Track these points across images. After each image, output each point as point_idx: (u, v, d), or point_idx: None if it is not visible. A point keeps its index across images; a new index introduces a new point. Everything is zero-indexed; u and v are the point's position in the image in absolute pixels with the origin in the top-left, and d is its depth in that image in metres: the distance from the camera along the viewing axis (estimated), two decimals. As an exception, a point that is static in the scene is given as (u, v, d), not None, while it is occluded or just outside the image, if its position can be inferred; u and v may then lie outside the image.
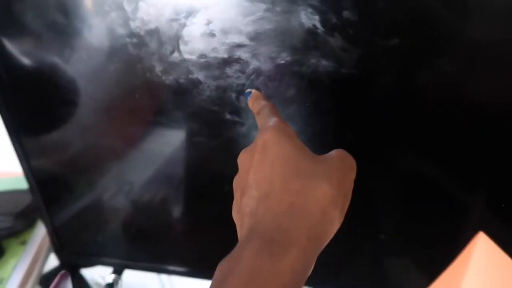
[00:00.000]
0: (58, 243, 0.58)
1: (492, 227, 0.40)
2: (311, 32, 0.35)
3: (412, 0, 0.33)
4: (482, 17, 0.32)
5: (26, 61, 0.44)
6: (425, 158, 0.39)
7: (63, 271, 0.34)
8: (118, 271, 0.57)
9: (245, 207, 0.26)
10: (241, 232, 0.26)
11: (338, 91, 0.37)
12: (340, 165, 0.26)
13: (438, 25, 0.33)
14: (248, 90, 0.35)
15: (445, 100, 0.36)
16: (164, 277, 0.77)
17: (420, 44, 0.34)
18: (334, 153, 0.27)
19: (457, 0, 0.32)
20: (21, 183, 0.56)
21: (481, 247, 0.40)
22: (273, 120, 0.28)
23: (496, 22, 0.32)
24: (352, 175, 0.27)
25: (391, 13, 0.33)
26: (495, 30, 0.32)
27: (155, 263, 0.57)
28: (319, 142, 0.40)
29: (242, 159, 0.28)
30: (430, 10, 0.33)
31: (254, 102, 0.33)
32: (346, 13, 0.34)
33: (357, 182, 0.43)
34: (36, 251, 0.57)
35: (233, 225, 0.50)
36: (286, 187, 0.24)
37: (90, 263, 0.62)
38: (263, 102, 0.32)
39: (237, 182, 0.28)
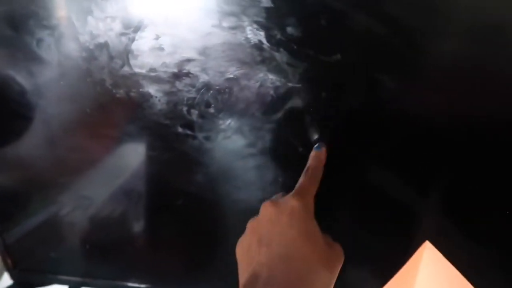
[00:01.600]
0: (10, 261, 0.57)
1: (436, 237, 0.41)
2: (258, 47, 0.36)
3: (352, 19, 0.34)
4: (419, 35, 0.34)
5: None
6: (371, 168, 0.41)
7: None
8: (73, 289, 0.56)
9: (257, 256, 0.30)
10: (243, 273, 0.31)
11: (285, 104, 0.38)
12: (339, 253, 0.33)
13: (377, 43, 0.34)
14: (320, 144, 0.38)
15: (384, 111, 0.37)
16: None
17: (360, 60, 0.35)
18: (334, 243, 0.34)
19: (394, 20, 0.33)
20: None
21: (428, 256, 0.41)
22: (310, 192, 0.34)
23: (433, 40, 0.34)
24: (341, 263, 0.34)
25: (333, 31, 0.35)
26: (430, 48, 0.34)
27: (112, 279, 0.56)
28: (269, 154, 0.41)
29: (269, 211, 0.33)
30: (370, 29, 0.34)
31: (316, 157, 0.37)
32: (290, 30, 0.35)
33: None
34: (-13, 270, 0.55)
35: (188, 238, 0.50)
36: (298, 267, 0.29)
37: (45, 282, 0.60)
38: (320, 164, 0.36)
39: (256, 227, 0.32)
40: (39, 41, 0.40)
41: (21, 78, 0.43)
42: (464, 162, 0.38)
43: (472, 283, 0.38)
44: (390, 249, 0.43)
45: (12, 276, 0.60)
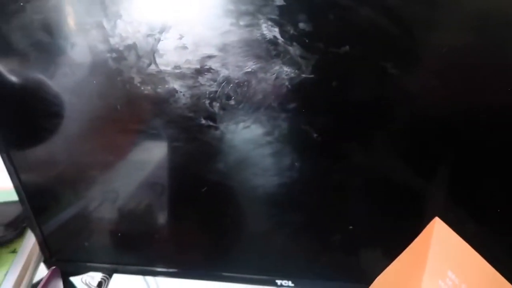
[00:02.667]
0: (47, 251, 0.61)
1: (446, 213, 0.44)
2: (272, 42, 0.39)
3: (358, 13, 0.37)
4: (419, 26, 0.37)
5: (13, 79, 0.47)
6: (383, 150, 0.44)
7: (53, 267, 0.36)
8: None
9: None
10: None
11: (300, 94, 0.41)
12: None
13: (381, 34, 0.37)
14: None
15: (393, 98, 0.40)
16: (150, 281, 0.79)
17: (367, 50, 0.38)
18: None
19: (397, 11, 0.36)
20: (11, 196, 0.58)
21: (438, 231, 0.43)
22: None
23: (432, 32, 0.37)
24: None
25: (341, 24, 0.38)
26: (432, 38, 0.37)
27: (142, 265, 0.60)
28: (286, 141, 0.44)
29: None
30: (374, 21, 0.37)
31: None
32: (301, 25, 0.38)
33: (325, 178, 0.47)
34: (26, 259, 0.59)
35: (211, 224, 0.54)
36: None
37: (79, 270, 0.64)
38: None
39: None
40: (73, 45, 0.43)
41: (55, 80, 0.46)
42: (471, 141, 0.41)
43: (482, 255, 0.41)
44: (400, 226, 0.46)
45: (48, 265, 0.65)
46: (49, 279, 0.35)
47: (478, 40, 0.36)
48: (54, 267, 0.36)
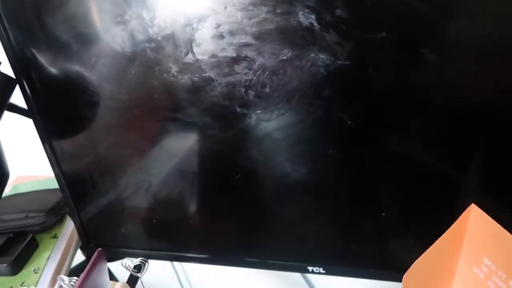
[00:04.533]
0: (85, 237, 0.63)
1: (483, 200, 0.44)
2: (309, 30, 0.40)
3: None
4: (458, 11, 0.37)
5: (56, 69, 0.49)
6: (418, 138, 0.44)
7: (99, 249, 0.38)
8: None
9: None
10: None
11: (335, 81, 0.42)
12: None
13: (419, 19, 0.37)
14: None
15: (429, 84, 0.40)
16: (178, 268, 0.82)
17: (405, 36, 0.38)
18: None
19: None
20: (52, 184, 0.61)
21: (474, 217, 0.43)
22: None
23: (471, 16, 0.37)
24: None
25: (378, 10, 0.38)
26: (471, 23, 0.37)
27: (175, 251, 0.62)
28: (320, 128, 0.45)
29: None
30: (412, 6, 0.37)
31: None
32: (338, 12, 0.38)
33: (358, 165, 0.48)
34: (66, 244, 0.62)
35: (244, 210, 0.55)
36: None
37: (115, 257, 0.66)
38: None
39: None
40: (113, 36, 0.45)
41: (95, 70, 0.48)
42: (508, 127, 0.41)
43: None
44: (434, 213, 0.46)
45: (86, 252, 0.67)
46: (96, 261, 0.36)
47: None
48: (100, 248, 0.38)
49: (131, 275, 0.59)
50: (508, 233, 0.41)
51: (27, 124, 0.55)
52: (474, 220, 0.44)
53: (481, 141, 0.42)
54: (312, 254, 0.55)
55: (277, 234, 0.55)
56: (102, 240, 0.65)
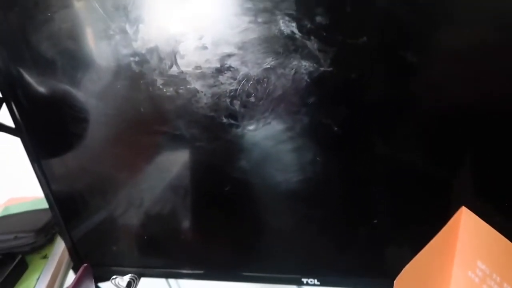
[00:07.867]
0: (76, 257, 0.62)
1: (473, 202, 0.43)
2: (290, 38, 0.40)
3: (374, 4, 0.38)
4: (437, 14, 0.37)
5: (42, 86, 0.49)
6: (405, 142, 0.43)
7: (85, 265, 0.37)
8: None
9: None
10: None
11: (319, 87, 0.42)
12: None
13: (398, 23, 0.38)
14: None
15: (413, 87, 0.40)
16: (172, 282, 0.80)
17: (385, 40, 0.39)
18: None
19: (412, 3, 0.37)
20: (44, 204, 0.60)
21: (465, 220, 0.43)
22: None
23: (451, 19, 0.37)
24: None
25: (357, 15, 0.38)
26: (451, 26, 0.37)
27: (168, 268, 0.61)
28: (307, 135, 0.44)
29: None
30: (391, 11, 0.38)
31: None
32: (318, 18, 0.39)
33: (347, 171, 0.47)
34: (57, 264, 0.61)
35: (235, 223, 0.54)
36: None
37: (107, 275, 0.65)
38: None
39: None
40: (98, 51, 0.45)
41: (81, 86, 0.48)
42: (494, 129, 0.40)
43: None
44: (425, 218, 0.46)
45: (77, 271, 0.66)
46: (81, 276, 0.36)
47: (499, 25, 0.36)
48: (85, 264, 0.37)
49: (123, 294, 0.57)
50: (500, 235, 0.40)
51: (19, 145, 0.54)
52: (466, 223, 0.43)
53: (468, 143, 0.42)
54: (306, 266, 0.54)
55: (269, 247, 0.54)
56: (94, 259, 0.63)
